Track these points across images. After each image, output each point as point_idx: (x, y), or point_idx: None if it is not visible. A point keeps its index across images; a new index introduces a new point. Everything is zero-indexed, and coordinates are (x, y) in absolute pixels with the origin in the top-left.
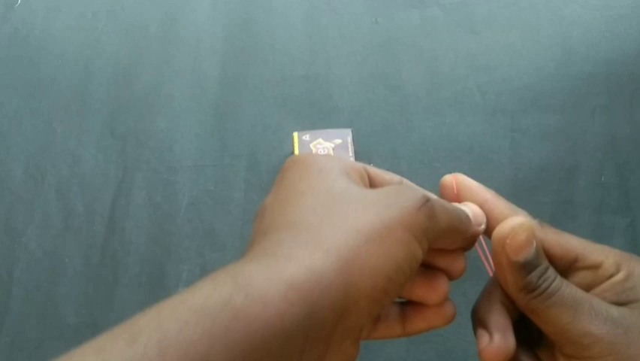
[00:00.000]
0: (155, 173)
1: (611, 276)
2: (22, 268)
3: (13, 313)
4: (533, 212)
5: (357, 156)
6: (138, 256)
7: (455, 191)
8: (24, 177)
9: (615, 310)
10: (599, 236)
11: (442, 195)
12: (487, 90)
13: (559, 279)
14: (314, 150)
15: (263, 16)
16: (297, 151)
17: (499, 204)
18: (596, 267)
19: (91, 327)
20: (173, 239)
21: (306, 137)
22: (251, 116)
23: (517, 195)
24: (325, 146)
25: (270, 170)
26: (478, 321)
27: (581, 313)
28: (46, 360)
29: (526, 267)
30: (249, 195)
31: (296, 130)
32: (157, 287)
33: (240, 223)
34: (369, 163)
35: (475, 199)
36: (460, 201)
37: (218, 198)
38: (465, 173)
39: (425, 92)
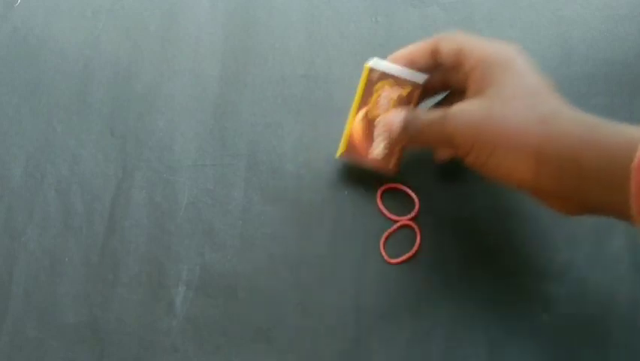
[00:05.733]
0: (155, 173)
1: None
2: (22, 267)
3: (13, 313)
4: (534, 211)
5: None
6: (138, 255)
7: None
8: (24, 176)
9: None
10: (599, 236)
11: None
12: None
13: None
14: (375, 96)
15: (263, 15)
16: (360, 92)
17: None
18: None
19: (91, 327)
20: (172, 239)
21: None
22: (251, 116)
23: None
24: (389, 94)
25: (270, 170)
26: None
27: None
28: (46, 360)
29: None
30: (249, 195)
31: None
32: (157, 287)
33: (240, 223)
34: None
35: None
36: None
37: (218, 198)
38: (466, 173)
39: None
